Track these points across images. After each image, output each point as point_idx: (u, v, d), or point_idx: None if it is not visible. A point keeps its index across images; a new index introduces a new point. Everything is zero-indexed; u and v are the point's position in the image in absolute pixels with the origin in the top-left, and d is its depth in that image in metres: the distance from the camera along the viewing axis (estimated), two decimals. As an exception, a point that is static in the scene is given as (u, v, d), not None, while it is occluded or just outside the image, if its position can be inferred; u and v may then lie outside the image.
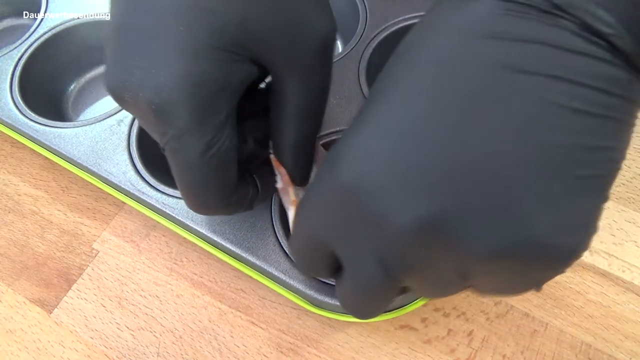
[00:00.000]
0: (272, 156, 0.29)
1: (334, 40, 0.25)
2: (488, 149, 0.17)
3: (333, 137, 0.35)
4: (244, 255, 0.31)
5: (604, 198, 0.18)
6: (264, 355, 0.33)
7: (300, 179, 0.28)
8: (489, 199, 0.17)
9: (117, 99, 0.23)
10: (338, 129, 0.35)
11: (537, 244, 0.17)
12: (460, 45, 0.18)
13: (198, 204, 0.25)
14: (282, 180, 0.29)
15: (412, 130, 0.18)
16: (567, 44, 0.17)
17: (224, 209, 0.26)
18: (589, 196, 0.18)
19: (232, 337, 0.34)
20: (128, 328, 0.34)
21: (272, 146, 0.28)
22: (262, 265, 0.31)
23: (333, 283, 0.30)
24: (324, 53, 0.24)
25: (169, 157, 0.24)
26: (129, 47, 0.22)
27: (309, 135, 0.27)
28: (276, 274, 0.31)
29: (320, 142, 0.34)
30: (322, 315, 0.32)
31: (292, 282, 0.30)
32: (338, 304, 0.29)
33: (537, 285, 0.20)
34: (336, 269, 0.24)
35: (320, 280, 0.30)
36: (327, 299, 0.30)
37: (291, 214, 0.29)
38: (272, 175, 0.28)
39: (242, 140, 0.26)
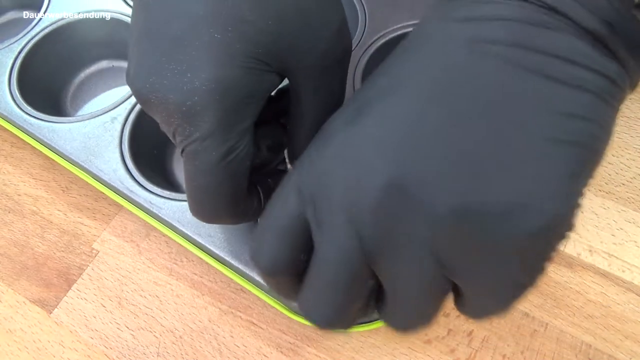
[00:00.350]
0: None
1: (350, 53, 0.26)
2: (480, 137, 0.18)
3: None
4: (227, 258, 0.31)
5: (582, 174, 0.18)
6: (264, 355, 0.33)
7: None
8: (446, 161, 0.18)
9: (142, 100, 0.24)
10: None
11: (498, 205, 0.17)
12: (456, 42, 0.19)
13: (206, 210, 0.25)
14: None
15: (422, 126, 0.19)
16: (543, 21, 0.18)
17: (230, 218, 0.26)
18: (563, 164, 0.18)
19: (232, 337, 0.34)
20: (128, 328, 0.34)
21: (288, 155, 0.28)
22: (246, 270, 0.31)
23: None
24: (343, 65, 0.26)
25: (187, 160, 0.24)
26: (160, 51, 0.22)
27: None
28: (258, 279, 0.31)
29: None
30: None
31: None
32: None
33: (519, 274, 0.19)
34: (370, 298, 0.22)
35: None
36: None
37: None
38: (274, 188, 0.29)
39: (255, 147, 0.27)
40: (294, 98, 0.26)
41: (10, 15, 0.48)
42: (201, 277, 0.36)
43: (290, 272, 0.22)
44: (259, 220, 0.26)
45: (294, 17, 0.23)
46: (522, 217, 0.17)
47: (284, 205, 0.22)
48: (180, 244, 0.33)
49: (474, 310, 0.22)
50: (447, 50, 0.19)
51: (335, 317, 0.22)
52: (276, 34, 0.23)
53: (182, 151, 0.24)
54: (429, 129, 0.18)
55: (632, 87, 0.20)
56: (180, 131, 0.23)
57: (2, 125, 0.39)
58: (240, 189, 0.25)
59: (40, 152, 0.38)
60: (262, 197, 0.27)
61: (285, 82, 0.26)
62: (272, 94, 0.28)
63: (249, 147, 0.24)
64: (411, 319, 0.22)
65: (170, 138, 0.24)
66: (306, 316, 0.23)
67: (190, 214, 0.32)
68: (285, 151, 0.29)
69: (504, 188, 0.17)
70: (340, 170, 0.20)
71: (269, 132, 0.28)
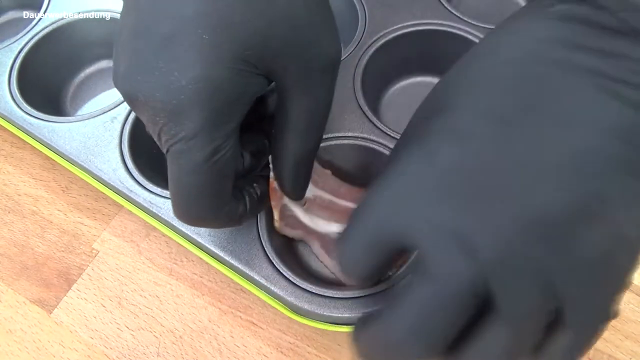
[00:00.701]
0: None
1: (339, 61, 0.26)
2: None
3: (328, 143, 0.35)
4: (227, 258, 0.31)
5: None
6: (264, 355, 0.33)
7: (297, 194, 0.29)
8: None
9: (129, 99, 0.24)
10: (330, 135, 0.35)
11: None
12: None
13: (190, 212, 0.25)
14: (273, 199, 0.30)
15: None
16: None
17: (213, 220, 0.26)
18: None
19: (232, 337, 0.34)
20: (128, 328, 0.34)
21: (271, 160, 0.28)
22: (245, 270, 0.31)
23: (314, 291, 0.30)
24: (332, 72, 0.26)
25: (171, 160, 0.24)
26: (149, 50, 0.22)
27: (311, 150, 0.27)
28: (258, 278, 0.30)
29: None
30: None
31: (273, 288, 0.30)
32: (318, 311, 0.29)
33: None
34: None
35: (301, 288, 0.30)
36: (306, 306, 0.29)
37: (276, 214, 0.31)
38: (261, 193, 0.29)
39: (239, 153, 0.27)
40: (279, 102, 0.26)
41: (10, 15, 0.48)
42: (201, 277, 0.36)
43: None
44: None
45: (283, 22, 0.23)
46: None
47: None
48: (180, 244, 0.33)
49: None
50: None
51: None
52: (265, 37, 0.23)
53: (167, 151, 0.24)
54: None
55: None
56: (165, 130, 0.23)
57: (2, 125, 0.39)
58: (224, 191, 0.25)
59: (40, 152, 0.38)
60: (247, 203, 0.27)
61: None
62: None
63: (235, 148, 0.24)
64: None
65: (155, 139, 0.24)
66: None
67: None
68: (270, 157, 0.29)
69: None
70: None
71: (252, 138, 0.28)
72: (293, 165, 0.27)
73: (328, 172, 0.34)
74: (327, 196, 0.33)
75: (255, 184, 0.29)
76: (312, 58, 0.24)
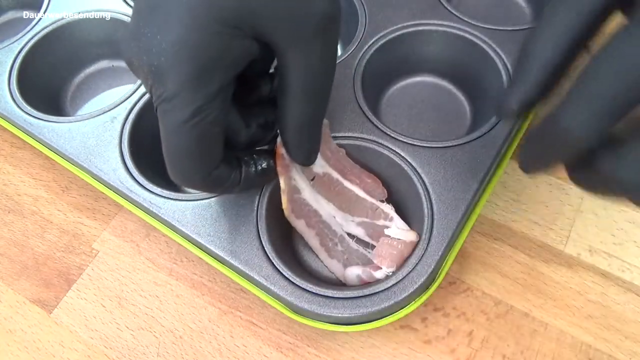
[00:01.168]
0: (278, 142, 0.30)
1: (336, 22, 0.26)
2: None
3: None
4: (227, 258, 0.31)
5: None
6: (264, 355, 0.33)
7: (302, 159, 0.29)
8: None
9: (127, 63, 0.26)
10: (332, 135, 0.35)
11: None
12: None
13: (176, 171, 0.26)
14: (279, 165, 0.30)
15: None
16: None
17: (200, 182, 0.27)
18: None
19: (232, 337, 0.34)
20: (128, 328, 0.34)
21: (279, 129, 0.29)
22: (245, 270, 0.31)
23: (314, 291, 0.30)
24: (324, 32, 0.25)
25: (159, 119, 0.25)
26: (139, 19, 0.24)
27: (313, 116, 0.27)
28: (257, 278, 0.31)
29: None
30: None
31: (273, 288, 0.30)
32: (318, 311, 0.29)
33: None
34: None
35: (301, 288, 0.30)
36: (306, 306, 0.29)
37: (283, 199, 0.31)
38: (263, 167, 0.29)
39: (246, 124, 0.28)
40: (278, 65, 0.26)
41: (10, 15, 0.48)
42: (201, 277, 0.36)
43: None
44: None
45: None
46: None
47: None
48: (180, 244, 0.33)
49: None
50: None
51: None
52: None
53: (156, 110, 0.25)
54: None
55: None
56: (153, 91, 0.25)
57: (2, 125, 0.39)
58: (210, 154, 0.26)
59: (40, 152, 0.38)
60: (242, 173, 0.28)
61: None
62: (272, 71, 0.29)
63: (220, 113, 0.25)
64: None
65: (153, 101, 0.26)
66: None
67: (190, 214, 0.33)
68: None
69: None
70: None
71: (261, 111, 0.29)
72: (295, 129, 0.27)
73: (342, 151, 0.34)
74: (335, 175, 0.34)
75: (256, 156, 0.29)
76: (302, 16, 0.24)
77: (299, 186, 0.32)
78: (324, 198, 0.33)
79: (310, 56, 0.25)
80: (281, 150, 0.30)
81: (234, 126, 0.28)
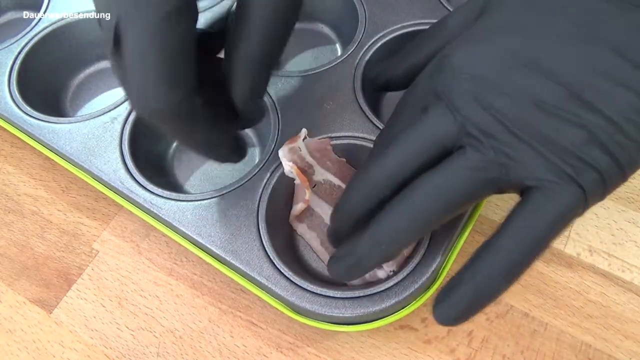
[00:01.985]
0: (291, 164, 0.31)
1: None
2: None
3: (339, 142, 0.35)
4: (227, 258, 0.31)
5: None
6: (264, 355, 0.33)
7: (241, 101, 0.27)
8: None
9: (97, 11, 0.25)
10: (331, 135, 0.35)
11: None
12: None
13: (139, 90, 0.24)
14: (304, 180, 0.31)
15: None
16: None
17: (169, 107, 0.24)
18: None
19: (232, 337, 0.34)
20: (128, 328, 0.34)
21: (224, 64, 0.27)
22: (246, 270, 0.31)
23: (316, 291, 0.30)
24: None
25: (124, 37, 0.24)
26: None
27: (268, 54, 0.26)
28: (259, 279, 0.30)
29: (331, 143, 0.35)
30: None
31: (274, 288, 0.30)
32: (320, 311, 0.29)
33: None
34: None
35: (303, 288, 0.30)
36: (308, 306, 0.29)
37: (297, 207, 0.33)
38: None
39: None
40: (238, 2, 0.25)
41: (10, 15, 0.48)
42: (201, 277, 0.36)
43: None
44: None
45: None
46: None
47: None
48: (180, 244, 0.33)
49: None
50: None
51: None
52: None
53: (120, 29, 0.24)
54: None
55: None
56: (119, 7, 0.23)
57: (2, 126, 0.39)
58: (177, 69, 0.24)
59: (40, 152, 0.38)
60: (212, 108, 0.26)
61: None
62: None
63: (190, 26, 0.24)
64: None
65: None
66: None
67: (191, 215, 0.33)
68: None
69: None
70: None
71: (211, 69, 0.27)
72: (239, 67, 0.26)
73: (343, 160, 0.35)
74: (337, 182, 0.34)
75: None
76: None
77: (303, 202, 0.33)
78: (324, 202, 0.34)
79: None
80: (303, 162, 0.30)
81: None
